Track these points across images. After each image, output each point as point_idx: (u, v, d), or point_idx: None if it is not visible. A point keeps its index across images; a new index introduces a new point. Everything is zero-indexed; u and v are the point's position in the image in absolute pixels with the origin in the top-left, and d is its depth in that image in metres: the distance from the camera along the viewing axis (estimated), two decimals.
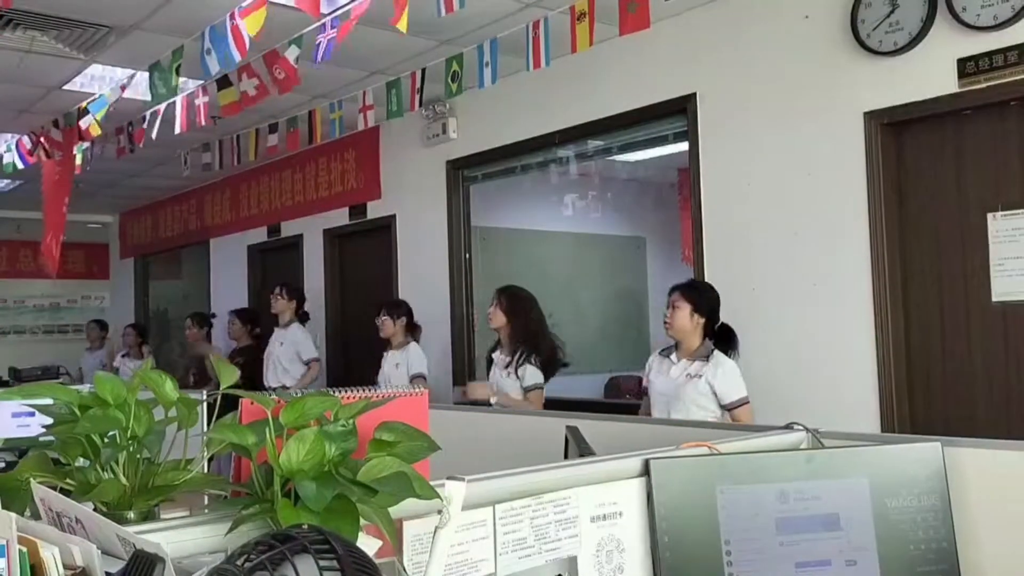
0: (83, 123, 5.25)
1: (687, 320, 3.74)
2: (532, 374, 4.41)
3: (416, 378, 5.33)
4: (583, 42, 3.84)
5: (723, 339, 3.79)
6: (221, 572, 0.93)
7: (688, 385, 3.68)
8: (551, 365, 4.52)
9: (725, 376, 3.65)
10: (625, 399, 6.06)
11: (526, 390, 4.38)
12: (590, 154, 5.68)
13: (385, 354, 5.53)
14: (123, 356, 8.47)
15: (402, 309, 5.55)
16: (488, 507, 1.43)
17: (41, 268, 7.77)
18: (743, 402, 3.64)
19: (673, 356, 3.82)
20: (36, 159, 6.28)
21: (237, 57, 3.77)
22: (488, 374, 4.68)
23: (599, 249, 7.28)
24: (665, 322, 3.84)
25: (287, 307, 6.40)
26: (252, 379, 6.37)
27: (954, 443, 1.76)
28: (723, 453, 1.77)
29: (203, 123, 5.01)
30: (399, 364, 5.42)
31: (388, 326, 5.46)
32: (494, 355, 4.64)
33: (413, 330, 5.58)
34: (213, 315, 7.99)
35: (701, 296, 3.80)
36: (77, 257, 11.03)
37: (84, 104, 5.40)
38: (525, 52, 4.11)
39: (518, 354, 4.44)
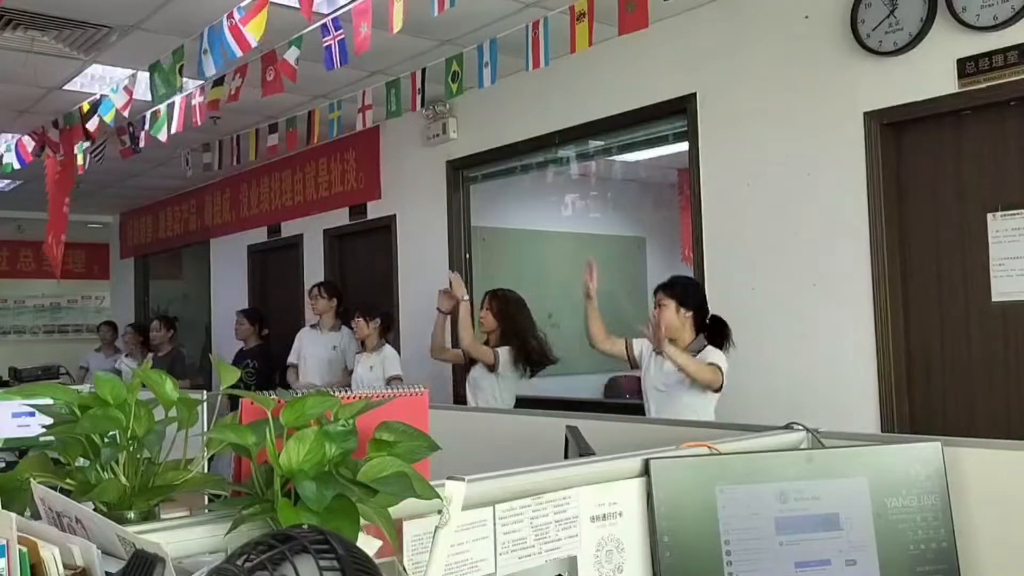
0: (90, 125, 5.24)
1: (674, 316, 3.76)
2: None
3: (393, 379, 5.30)
4: (582, 42, 3.84)
5: (716, 331, 3.79)
6: (221, 572, 0.93)
7: (681, 388, 3.69)
8: (538, 363, 4.66)
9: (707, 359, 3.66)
10: (625, 399, 6.04)
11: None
12: (590, 154, 5.67)
13: (358, 356, 5.53)
14: (125, 356, 8.44)
15: (376, 311, 5.52)
16: (488, 507, 1.43)
17: (45, 269, 7.80)
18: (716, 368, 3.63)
19: None
20: (37, 159, 6.28)
21: (239, 55, 3.77)
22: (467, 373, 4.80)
23: (599, 249, 7.24)
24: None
25: (328, 307, 6.12)
26: (266, 381, 6.34)
27: (954, 443, 1.76)
28: (723, 453, 1.77)
29: (199, 123, 5.01)
30: (373, 367, 5.39)
31: (362, 328, 5.45)
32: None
33: (387, 332, 5.57)
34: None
35: (685, 290, 3.84)
36: (77, 257, 11.02)
37: (86, 104, 5.39)
38: (525, 52, 4.11)
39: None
